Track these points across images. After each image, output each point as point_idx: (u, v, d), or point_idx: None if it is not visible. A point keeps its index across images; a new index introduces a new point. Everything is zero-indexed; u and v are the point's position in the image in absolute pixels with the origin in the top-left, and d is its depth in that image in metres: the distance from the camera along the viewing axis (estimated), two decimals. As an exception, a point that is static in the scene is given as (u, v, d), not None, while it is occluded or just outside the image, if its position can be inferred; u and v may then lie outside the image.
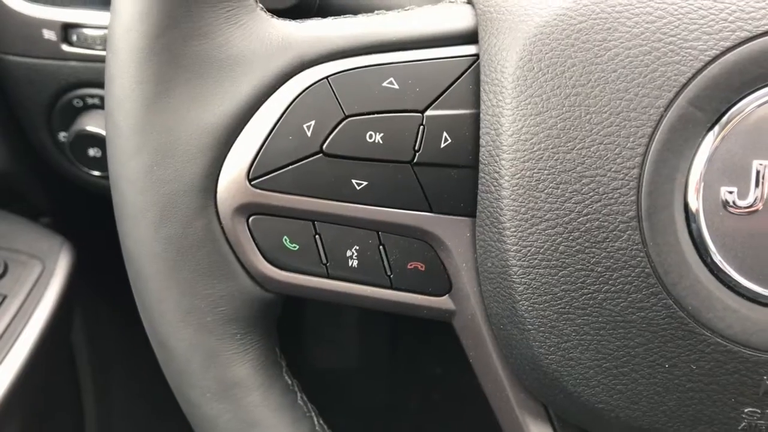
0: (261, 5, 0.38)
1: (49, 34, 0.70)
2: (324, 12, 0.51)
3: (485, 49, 0.36)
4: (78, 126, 0.73)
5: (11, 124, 0.79)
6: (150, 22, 0.35)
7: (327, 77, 0.37)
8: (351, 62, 0.37)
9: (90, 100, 0.74)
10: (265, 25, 0.37)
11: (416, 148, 0.37)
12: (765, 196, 0.33)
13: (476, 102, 0.36)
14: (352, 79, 0.37)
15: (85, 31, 0.70)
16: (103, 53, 0.71)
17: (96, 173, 0.77)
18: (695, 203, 0.33)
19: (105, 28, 0.71)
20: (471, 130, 0.36)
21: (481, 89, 0.36)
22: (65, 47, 0.71)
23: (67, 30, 0.70)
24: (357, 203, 0.37)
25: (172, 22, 0.35)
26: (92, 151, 0.74)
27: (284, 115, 0.37)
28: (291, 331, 1.07)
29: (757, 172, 0.33)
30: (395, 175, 0.37)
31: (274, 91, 0.37)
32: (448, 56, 0.37)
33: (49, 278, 0.72)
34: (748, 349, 0.33)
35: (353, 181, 0.37)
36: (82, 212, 0.91)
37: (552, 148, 0.34)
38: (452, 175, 0.37)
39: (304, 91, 0.37)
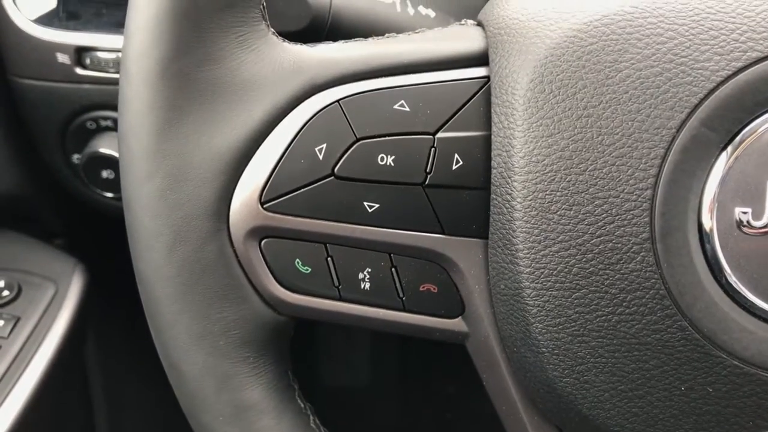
0: (272, 29, 0.38)
1: (62, 58, 0.71)
2: (334, 34, 0.51)
3: (496, 71, 0.36)
4: (91, 148, 0.74)
5: (25, 146, 0.80)
6: (163, 48, 0.35)
7: (338, 100, 0.37)
8: (362, 85, 0.37)
9: (103, 123, 0.74)
10: (277, 50, 0.38)
11: (428, 170, 0.37)
12: None
13: (487, 124, 0.36)
14: (363, 102, 0.37)
15: (99, 54, 0.71)
16: (116, 76, 0.72)
17: (109, 195, 0.77)
18: (709, 224, 0.33)
19: (118, 51, 0.72)
20: (482, 151, 0.36)
21: (492, 111, 0.36)
22: (79, 70, 0.72)
23: (80, 53, 0.71)
24: (369, 225, 0.37)
25: (185, 47, 0.36)
26: (105, 173, 0.75)
27: (296, 139, 0.37)
28: (302, 349, 1.07)
29: None
30: (407, 197, 0.37)
31: (286, 115, 0.37)
32: (458, 78, 0.37)
33: (62, 300, 0.72)
34: (765, 371, 0.33)
35: (365, 203, 0.37)
36: (95, 233, 0.91)
37: (564, 170, 0.34)
38: (464, 197, 0.37)
39: (315, 114, 0.37)
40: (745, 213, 0.33)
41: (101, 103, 0.73)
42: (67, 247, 0.86)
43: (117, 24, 0.74)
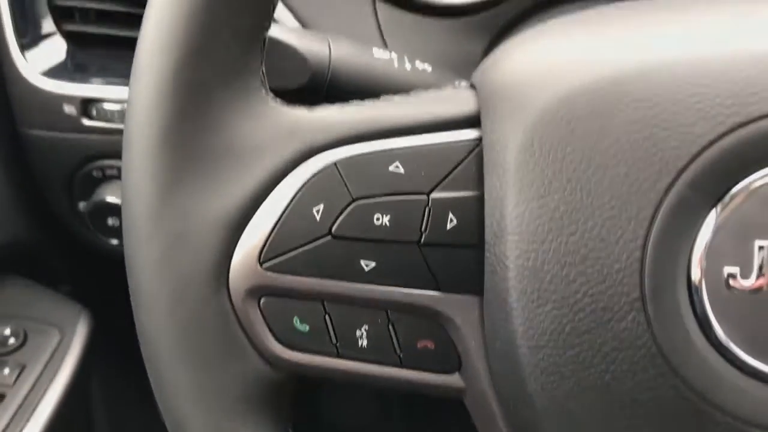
0: (271, 94, 0.40)
1: (69, 109, 0.73)
2: (334, 89, 0.53)
3: (488, 134, 0.37)
4: (97, 196, 0.75)
5: (32, 194, 0.81)
6: (163, 117, 0.37)
7: (335, 163, 0.38)
8: (358, 148, 0.38)
9: (109, 171, 0.76)
10: (276, 114, 0.39)
11: (423, 229, 0.37)
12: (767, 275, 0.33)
13: (480, 184, 0.37)
14: (359, 164, 0.38)
15: (105, 105, 0.73)
16: (121, 126, 0.73)
17: (114, 242, 0.79)
18: (698, 283, 0.34)
19: (123, 101, 0.73)
20: (476, 211, 0.37)
21: (485, 173, 0.37)
22: (85, 121, 0.73)
23: (87, 105, 0.73)
24: (366, 283, 0.38)
25: (185, 116, 0.37)
26: (111, 221, 0.76)
27: (294, 200, 0.38)
28: (305, 390, 1.07)
29: (759, 252, 0.33)
30: (403, 255, 0.38)
31: (284, 177, 0.38)
32: (452, 141, 0.38)
33: (67, 347, 0.73)
34: (758, 429, 0.33)
35: (362, 262, 0.38)
36: (101, 279, 0.92)
37: (556, 231, 0.34)
38: (459, 255, 0.38)
39: (313, 176, 0.38)
40: (733, 272, 0.33)
41: (107, 152, 0.75)
42: (73, 293, 0.87)
43: (123, 75, 0.75)
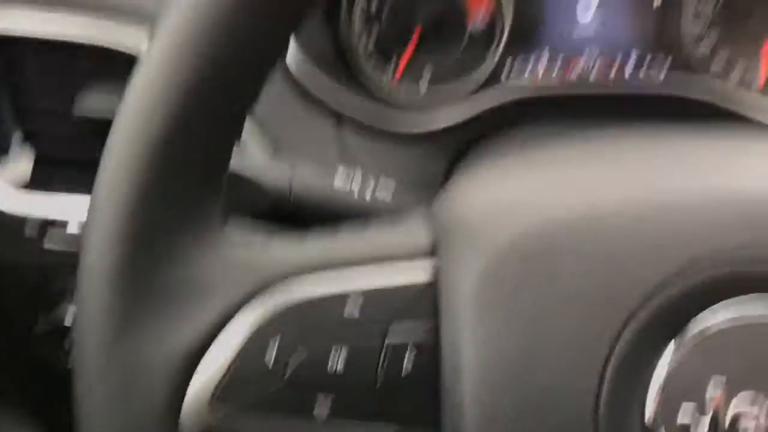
0: (229, 224, 0.39)
1: (30, 232, 0.72)
2: (295, 214, 0.53)
3: (442, 276, 0.37)
4: (56, 319, 0.74)
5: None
6: (117, 254, 0.36)
7: (289, 306, 0.37)
8: (313, 289, 0.38)
9: (68, 293, 0.75)
10: (231, 251, 0.39)
11: (378, 373, 0.37)
12: (724, 412, 0.33)
13: (436, 325, 0.37)
14: (313, 308, 0.37)
15: (66, 230, 0.72)
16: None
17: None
18: (656, 423, 0.33)
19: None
20: (432, 353, 0.37)
21: (441, 315, 0.37)
22: (46, 243, 0.72)
23: (46, 227, 0.72)
24: (320, 429, 0.37)
25: (139, 253, 0.36)
26: (69, 343, 0.75)
27: (246, 341, 0.37)
28: None
29: (715, 390, 0.33)
30: (358, 400, 0.37)
31: (236, 316, 0.38)
32: (407, 283, 0.38)
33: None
34: None
35: (316, 406, 0.37)
36: (59, 400, 0.89)
37: (509, 378, 0.34)
38: (417, 397, 0.37)
39: (266, 317, 0.37)
40: (690, 410, 0.33)
41: (66, 273, 0.74)
42: (31, 413, 0.84)
43: (89, 193, 0.75)
